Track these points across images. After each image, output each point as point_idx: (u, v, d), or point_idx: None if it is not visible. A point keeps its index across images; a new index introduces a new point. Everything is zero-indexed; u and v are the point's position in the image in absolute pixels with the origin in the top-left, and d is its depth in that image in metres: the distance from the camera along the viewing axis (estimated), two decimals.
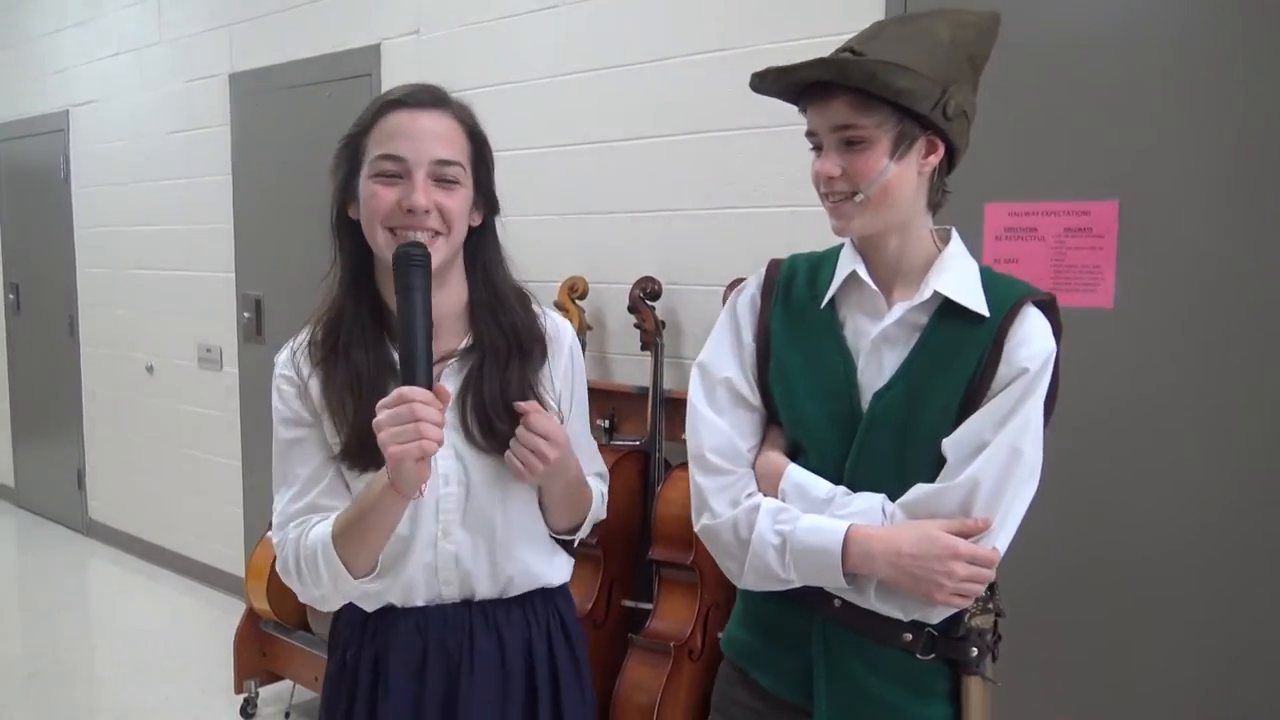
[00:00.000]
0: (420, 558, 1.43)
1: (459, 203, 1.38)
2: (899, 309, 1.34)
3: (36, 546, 5.75)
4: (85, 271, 5.63)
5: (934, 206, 1.39)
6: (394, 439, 1.22)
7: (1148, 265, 2.14)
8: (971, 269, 1.36)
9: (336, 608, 1.47)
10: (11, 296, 6.29)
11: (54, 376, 5.93)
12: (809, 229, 2.59)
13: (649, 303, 2.91)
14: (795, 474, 1.35)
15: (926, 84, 1.25)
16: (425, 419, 1.22)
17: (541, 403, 1.44)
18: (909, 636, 1.34)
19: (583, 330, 3.07)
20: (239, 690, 3.49)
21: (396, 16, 3.74)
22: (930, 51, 1.27)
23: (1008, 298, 1.33)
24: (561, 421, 1.48)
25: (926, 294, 1.32)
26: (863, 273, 1.36)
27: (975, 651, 1.37)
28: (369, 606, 1.46)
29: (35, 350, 6.14)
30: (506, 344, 1.44)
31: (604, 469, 1.65)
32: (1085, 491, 2.25)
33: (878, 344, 1.35)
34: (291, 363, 1.43)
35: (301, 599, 1.45)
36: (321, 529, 1.37)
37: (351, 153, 1.39)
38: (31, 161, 5.96)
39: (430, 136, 1.36)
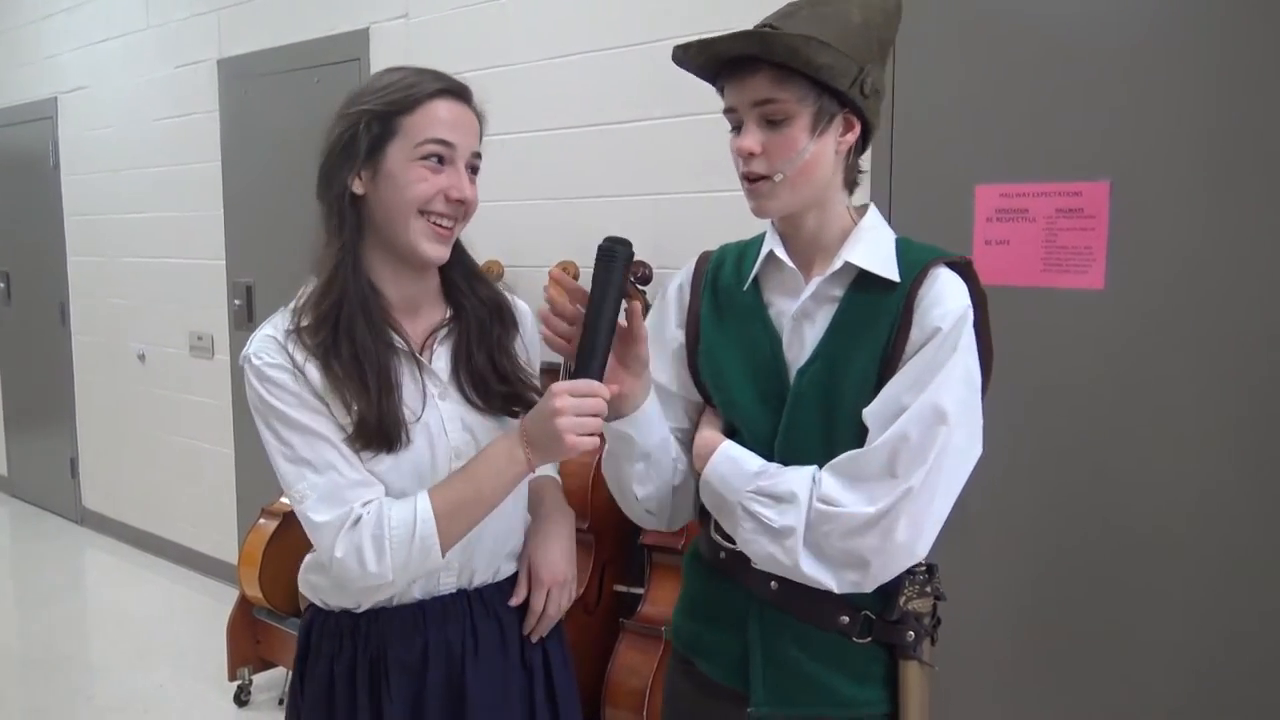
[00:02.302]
0: None
1: (478, 192, 1.41)
2: (813, 284, 1.36)
3: (30, 536, 5.75)
4: (75, 259, 5.61)
5: (850, 185, 1.40)
6: (577, 428, 1.26)
7: (1139, 246, 2.13)
8: (887, 239, 1.37)
9: (383, 597, 1.39)
10: (2, 285, 6.26)
11: (46, 365, 5.92)
12: None
13: (640, 287, 2.90)
14: (728, 449, 1.36)
15: (845, 61, 1.26)
16: (601, 414, 1.28)
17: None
18: (845, 619, 1.35)
19: None
20: (233, 678, 3.49)
21: (385, 0, 3.72)
22: (845, 31, 1.27)
23: (918, 263, 1.33)
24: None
25: (838, 265, 1.34)
26: (780, 252, 1.37)
27: (912, 635, 1.37)
28: (366, 603, 1.40)
29: (26, 339, 6.12)
30: (486, 311, 1.47)
31: None
32: (1076, 471, 2.25)
33: (798, 320, 1.36)
34: (282, 350, 1.34)
35: (353, 586, 1.34)
36: (412, 507, 1.31)
37: (384, 128, 1.34)
38: (20, 148, 5.93)
39: (470, 129, 1.39)
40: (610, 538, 2.89)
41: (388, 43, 3.71)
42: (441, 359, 1.43)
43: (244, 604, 3.48)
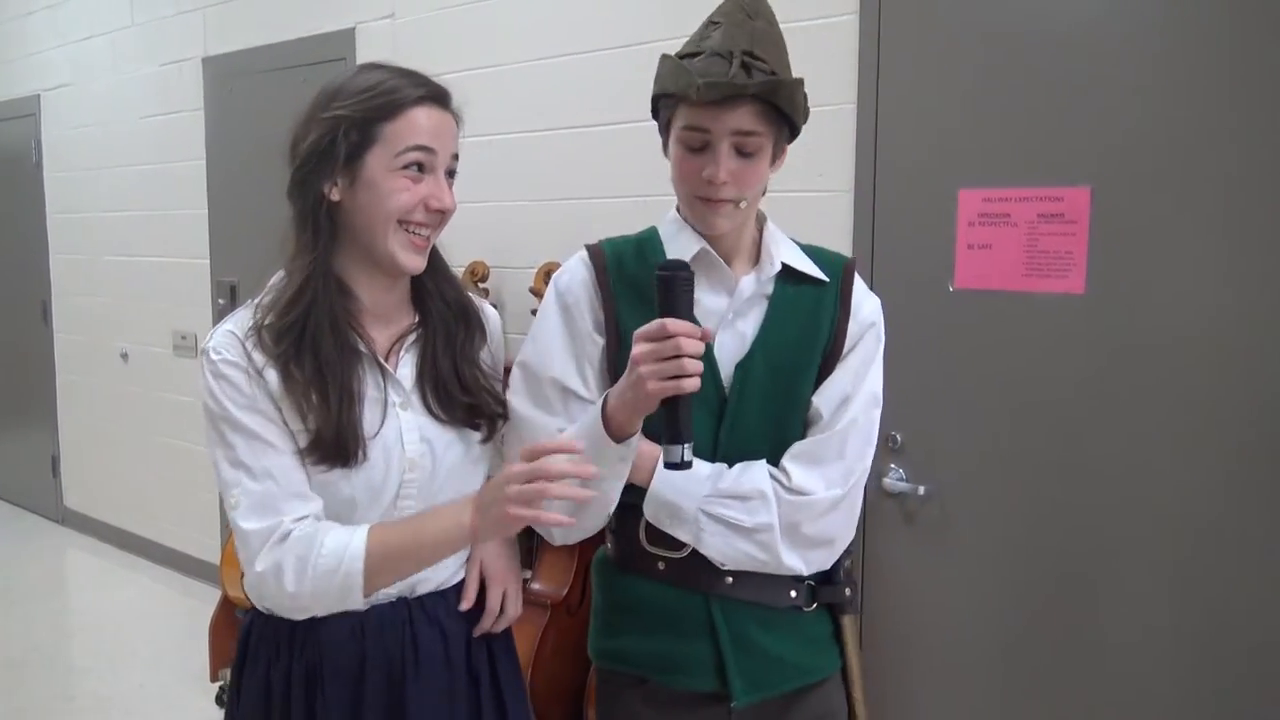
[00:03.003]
0: None
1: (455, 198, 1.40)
2: (748, 282, 1.42)
3: (10, 535, 5.71)
4: (58, 257, 5.57)
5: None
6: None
7: (1119, 252, 2.15)
8: (792, 243, 1.49)
9: (302, 617, 1.35)
10: None
11: (27, 363, 5.88)
12: (789, 212, 2.58)
13: None
14: None
15: (801, 94, 1.34)
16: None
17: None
18: (794, 593, 1.44)
19: None
20: (214, 678, 3.48)
21: (371, 0, 3.71)
22: (785, 53, 1.36)
23: (835, 263, 1.48)
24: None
25: (777, 265, 1.43)
26: (711, 250, 1.42)
27: (849, 591, 1.50)
28: (301, 615, 1.36)
29: (8, 337, 6.08)
30: (453, 317, 1.45)
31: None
32: (1055, 474, 2.26)
33: (732, 319, 1.41)
34: (240, 349, 1.32)
35: (263, 600, 1.33)
36: (346, 540, 1.28)
37: (363, 135, 1.30)
38: (2, 146, 5.89)
39: (450, 135, 1.38)
40: (593, 539, 2.89)
41: (374, 42, 3.71)
42: (407, 366, 1.41)
43: (226, 604, 3.47)
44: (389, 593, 1.39)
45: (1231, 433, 2.06)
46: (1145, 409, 2.15)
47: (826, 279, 1.44)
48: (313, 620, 1.36)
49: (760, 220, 1.49)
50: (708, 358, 1.34)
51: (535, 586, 2.89)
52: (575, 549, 2.88)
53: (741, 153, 1.33)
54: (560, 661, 2.82)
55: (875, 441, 1.44)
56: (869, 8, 2.44)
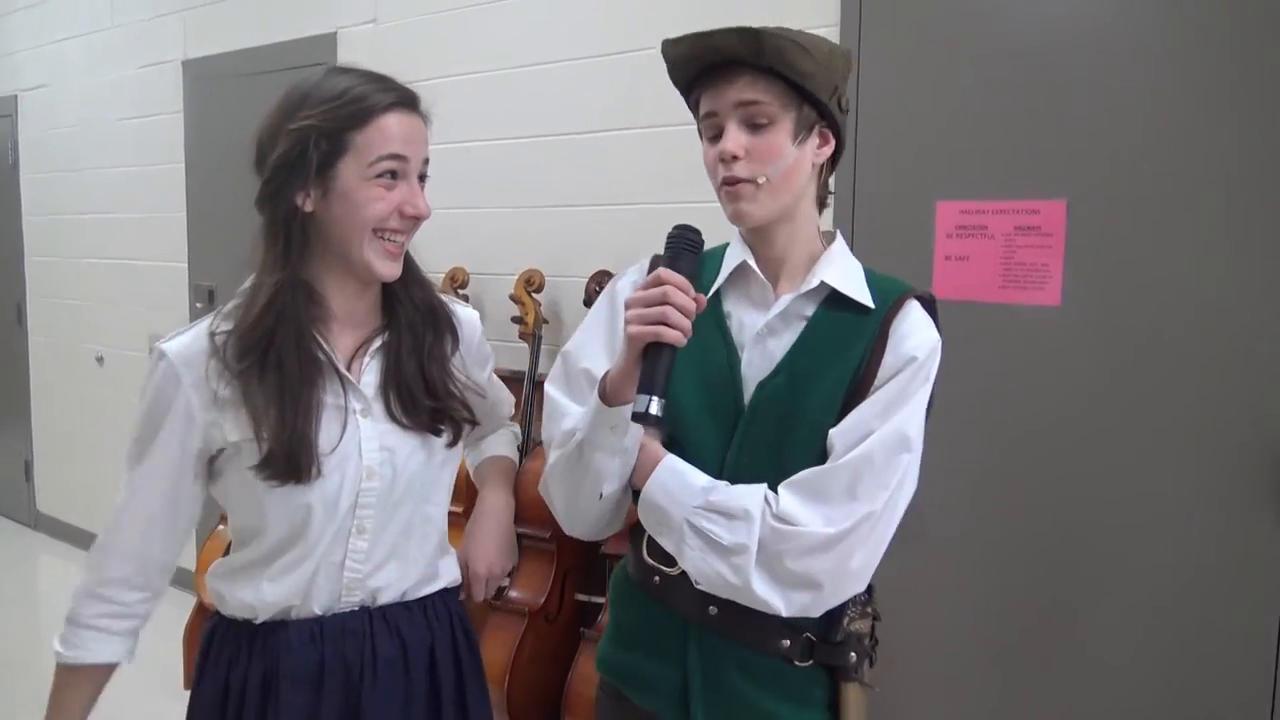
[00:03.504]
0: (328, 555, 1.37)
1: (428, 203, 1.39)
2: (786, 298, 1.34)
3: None
4: (33, 260, 5.52)
5: (821, 203, 1.40)
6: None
7: (1094, 264, 2.18)
8: (856, 266, 1.38)
9: None
10: None
11: (1, 366, 5.81)
12: None
13: None
14: (673, 463, 1.31)
15: (824, 73, 1.27)
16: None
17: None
18: (787, 643, 1.32)
19: (539, 324, 3.06)
20: (188, 686, 3.44)
21: (354, 4, 3.70)
22: (820, 48, 1.28)
23: (892, 292, 1.35)
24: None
25: (814, 283, 1.33)
26: (753, 263, 1.36)
27: (854, 657, 1.35)
28: (262, 615, 1.38)
29: None
30: (421, 319, 1.44)
31: (509, 393, 1.74)
32: (1031, 484, 2.28)
33: (763, 335, 1.34)
34: (203, 359, 1.32)
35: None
36: (65, 653, 1.41)
37: (334, 144, 1.29)
38: None
39: (421, 140, 1.36)
40: (572, 547, 2.90)
41: (355, 48, 3.70)
42: (371, 373, 1.40)
43: (201, 611, 3.44)
44: (350, 600, 1.40)
45: (1208, 442, 2.08)
46: (1121, 420, 2.17)
47: (873, 306, 1.33)
48: (273, 624, 1.38)
49: (828, 238, 1.41)
50: (734, 374, 1.33)
51: (513, 594, 2.89)
52: (553, 558, 2.88)
53: (751, 127, 1.28)
54: (537, 669, 2.82)
55: (901, 491, 1.27)
56: (849, 20, 2.46)
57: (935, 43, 2.34)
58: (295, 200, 1.31)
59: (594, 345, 1.41)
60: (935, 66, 2.35)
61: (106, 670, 1.43)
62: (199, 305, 4.42)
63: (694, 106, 1.37)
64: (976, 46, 2.29)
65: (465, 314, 1.55)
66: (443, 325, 1.47)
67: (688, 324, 1.19)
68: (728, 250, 1.41)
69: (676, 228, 1.27)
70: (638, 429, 1.30)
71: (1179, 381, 2.10)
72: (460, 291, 3.23)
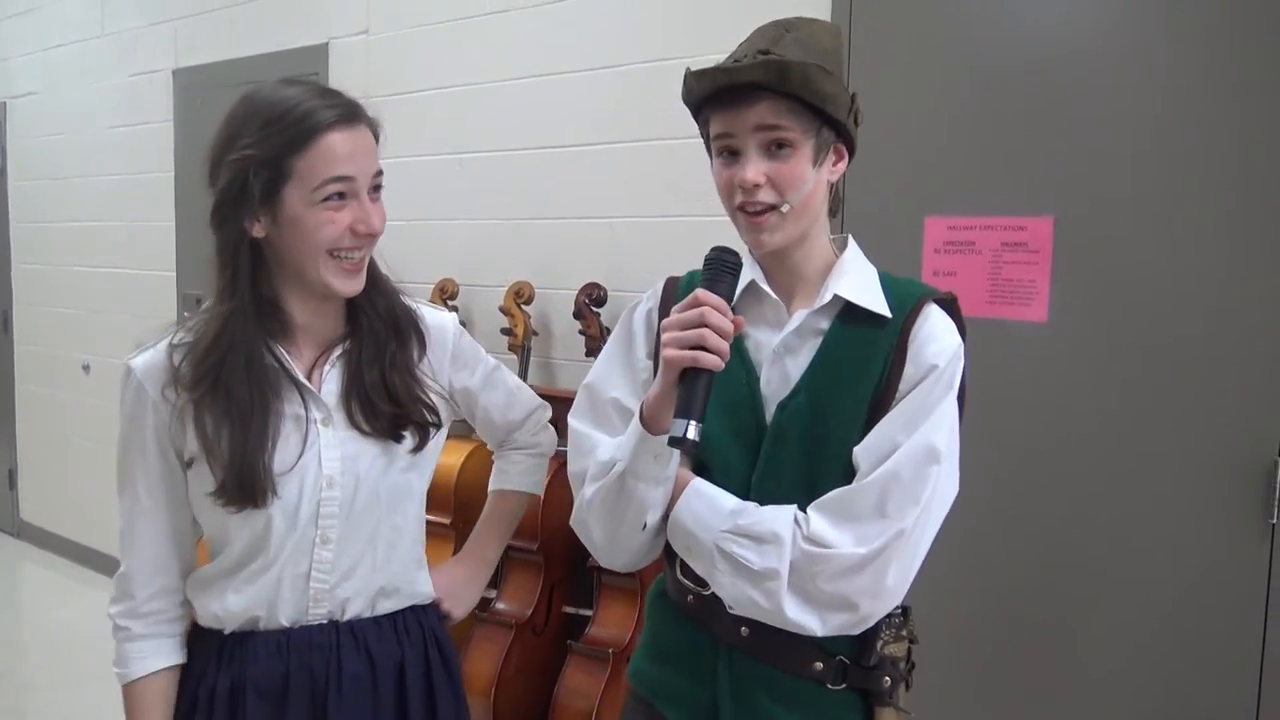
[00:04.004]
0: (293, 566, 1.36)
1: (384, 211, 1.36)
2: (799, 316, 1.30)
3: None
4: (20, 267, 5.50)
5: (832, 214, 1.37)
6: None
7: (1081, 281, 2.19)
8: (871, 273, 1.34)
9: None
10: None
11: None
12: None
13: (594, 309, 2.92)
14: (700, 486, 1.29)
15: (842, 90, 1.23)
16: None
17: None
18: (820, 665, 1.29)
19: (528, 336, 3.06)
20: None
21: (346, 16, 3.71)
22: (829, 58, 1.24)
23: (908, 298, 1.30)
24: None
25: (826, 298, 1.29)
26: (762, 282, 1.32)
27: (888, 681, 1.32)
28: (229, 626, 1.38)
29: None
30: (384, 326, 1.42)
31: (541, 402, 1.68)
32: (1017, 499, 2.29)
33: (779, 353, 1.31)
34: (163, 375, 1.33)
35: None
36: (133, 668, 1.40)
37: (275, 171, 1.26)
38: None
39: (366, 153, 1.32)
40: (560, 560, 2.89)
41: (347, 59, 3.71)
42: (332, 382, 1.39)
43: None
44: (318, 612, 1.39)
45: (1195, 455, 2.10)
46: (1108, 435, 2.18)
47: (889, 315, 1.28)
48: (240, 635, 1.38)
49: (840, 245, 1.37)
50: (753, 394, 1.30)
51: (500, 606, 2.88)
52: (541, 570, 2.87)
53: (771, 152, 1.23)
54: (524, 681, 2.81)
55: (934, 503, 1.25)
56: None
57: (924, 59, 2.36)
58: (244, 227, 1.30)
59: (616, 374, 1.38)
60: (924, 83, 2.36)
61: (172, 676, 1.42)
62: (186, 314, 4.39)
63: (703, 124, 1.33)
64: (966, 64, 2.31)
65: (434, 318, 1.51)
66: (406, 331, 1.45)
67: (725, 347, 1.16)
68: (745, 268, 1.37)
69: (714, 250, 1.23)
70: (677, 456, 1.26)
71: (1165, 396, 2.12)
72: (450, 302, 3.23)
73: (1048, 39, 2.21)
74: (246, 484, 1.30)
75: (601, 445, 1.33)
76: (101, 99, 4.84)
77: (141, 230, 4.67)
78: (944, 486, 1.27)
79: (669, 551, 1.38)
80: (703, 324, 1.15)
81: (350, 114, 1.31)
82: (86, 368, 5.05)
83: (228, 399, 1.30)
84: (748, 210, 1.26)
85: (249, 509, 1.32)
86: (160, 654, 1.40)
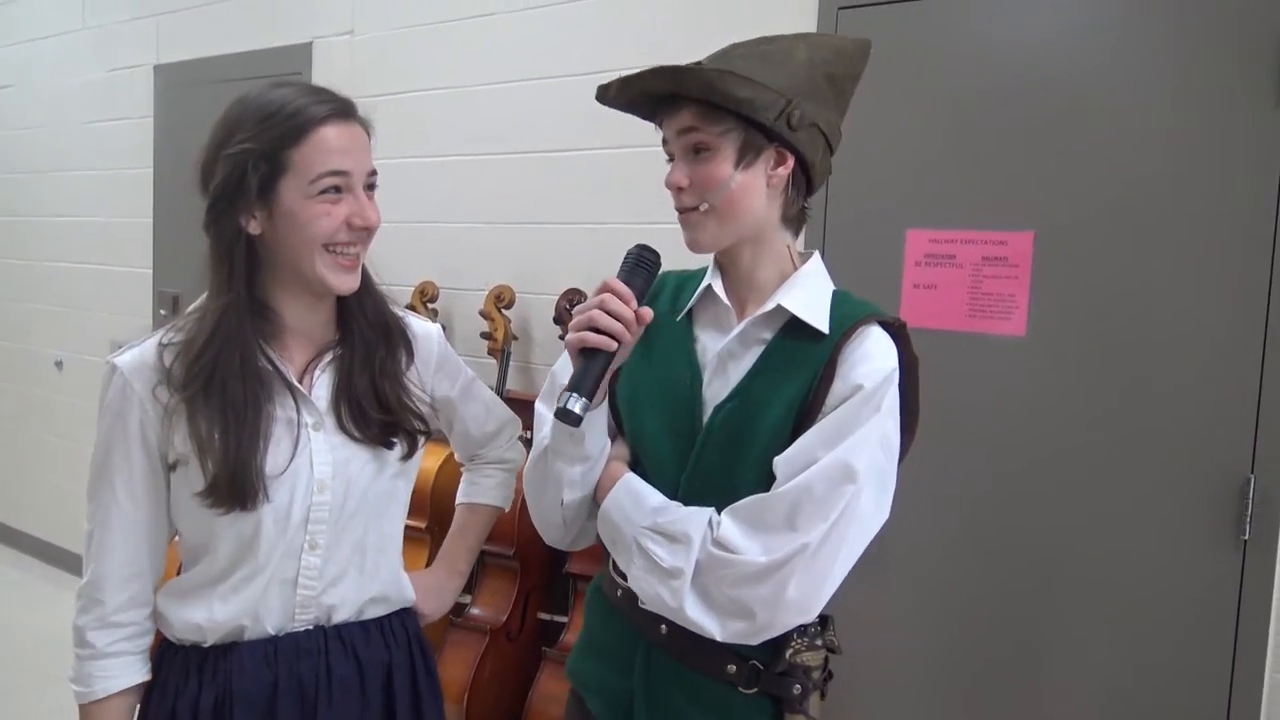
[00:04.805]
0: (280, 571, 1.35)
1: (378, 210, 1.36)
2: (743, 323, 1.34)
3: None
4: None
5: (791, 222, 1.37)
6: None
7: (1060, 296, 2.21)
8: (825, 289, 1.36)
9: None
10: None
11: None
12: None
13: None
14: (631, 481, 1.33)
15: (769, 95, 1.25)
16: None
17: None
18: (733, 668, 1.31)
19: (508, 340, 3.05)
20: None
21: (331, 15, 3.69)
22: (780, 66, 1.27)
23: (850, 317, 1.31)
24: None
25: (770, 307, 1.32)
26: (718, 288, 1.36)
27: (798, 689, 1.32)
28: (211, 638, 1.35)
29: None
30: (375, 333, 1.43)
31: (513, 416, 1.71)
32: (995, 512, 2.30)
33: (723, 358, 1.34)
34: (152, 374, 1.32)
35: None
36: (95, 687, 1.35)
37: (272, 165, 1.27)
38: None
39: (361, 149, 1.33)
40: (535, 566, 2.88)
41: (331, 59, 3.69)
42: (322, 387, 1.39)
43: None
44: (304, 619, 1.38)
45: (1170, 470, 2.11)
46: (1085, 449, 2.19)
47: (827, 332, 1.30)
48: (224, 647, 1.35)
49: (804, 259, 1.38)
50: (694, 396, 1.33)
51: (475, 612, 2.86)
52: (516, 576, 2.86)
53: (692, 155, 1.30)
54: (498, 687, 2.80)
55: (847, 524, 1.23)
56: None
57: (908, 74, 2.37)
58: (240, 223, 1.30)
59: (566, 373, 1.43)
60: (907, 97, 2.38)
61: (136, 694, 1.38)
62: (163, 312, 4.37)
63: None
64: (948, 80, 2.32)
65: (421, 328, 1.53)
66: (396, 339, 1.46)
67: (618, 328, 1.22)
68: (708, 271, 1.42)
69: (636, 246, 1.31)
70: (603, 440, 1.33)
71: (1141, 412, 2.13)
72: (430, 305, 3.22)
73: (1030, 56, 2.23)
74: (238, 485, 1.28)
75: (546, 423, 1.39)
76: (81, 93, 4.79)
77: (118, 226, 4.62)
78: (862, 507, 1.25)
79: (607, 551, 1.41)
80: (601, 307, 1.22)
81: (344, 110, 1.32)
82: (59, 364, 4.99)
83: (222, 397, 1.29)
84: (680, 213, 1.33)
85: (237, 511, 1.29)
86: (127, 672, 1.36)
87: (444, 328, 1.63)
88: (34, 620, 4.48)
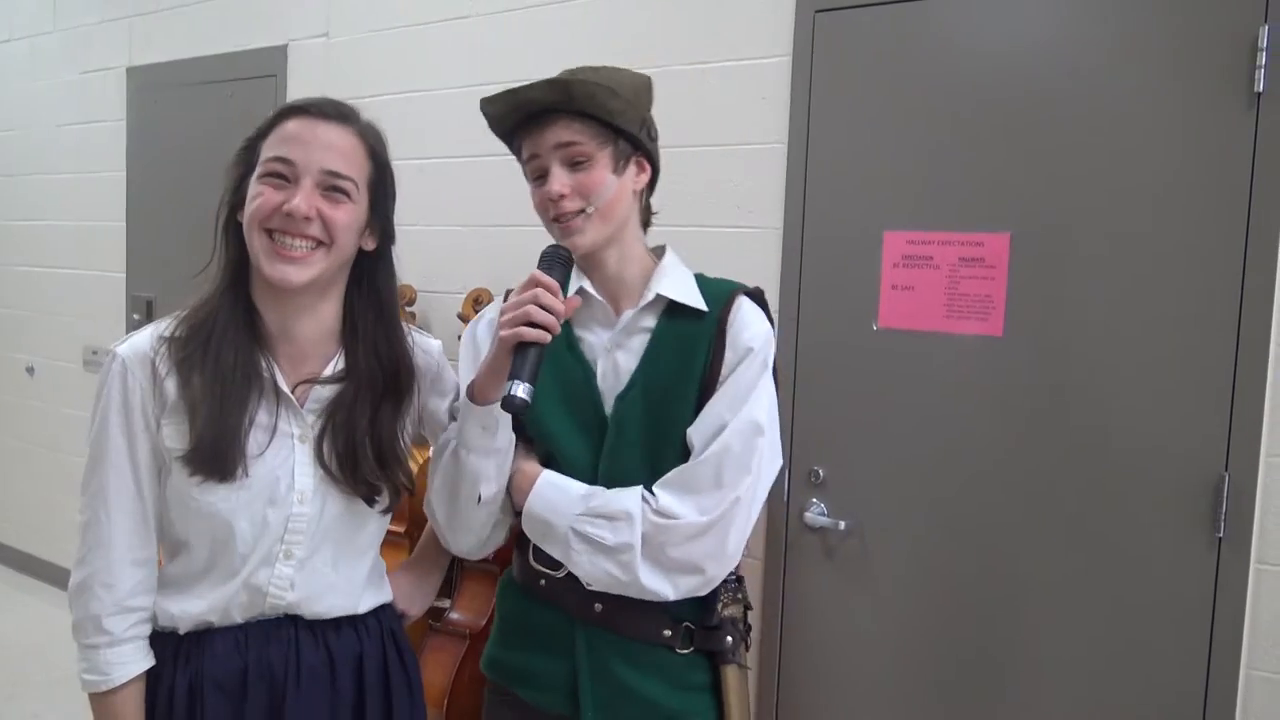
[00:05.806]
0: (253, 576, 1.36)
1: (345, 216, 1.34)
2: (626, 315, 1.48)
3: None
4: None
5: (645, 225, 1.54)
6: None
7: (1036, 296, 2.22)
8: (688, 275, 1.52)
9: None
10: None
11: None
12: (717, 247, 2.61)
13: None
14: (550, 477, 1.43)
15: (632, 110, 1.42)
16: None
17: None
18: (668, 633, 1.45)
19: None
20: None
21: (306, 17, 3.67)
22: (626, 85, 1.43)
23: (722, 294, 1.48)
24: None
25: (650, 297, 1.46)
26: (589, 287, 1.48)
27: (730, 640, 1.49)
28: (183, 626, 1.38)
29: None
30: (383, 379, 1.43)
31: None
32: (971, 512, 2.31)
33: (610, 349, 1.47)
34: (151, 357, 1.34)
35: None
36: (115, 674, 1.34)
37: (248, 155, 1.37)
38: None
39: (324, 146, 1.33)
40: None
41: (306, 61, 3.67)
42: (313, 412, 1.40)
43: None
44: (277, 604, 1.39)
45: (1145, 470, 2.13)
46: (1060, 449, 2.21)
47: (706, 310, 1.46)
48: (198, 634, 1.38)
49: (659, 254, 1.54)
50: (591, 389, 1.45)
51: (454, 616, 2.85)
52: (495, 580, 2.84)
53: (571, 165, 1.41)
54: (478, 691, 2.76)
55: (763, 472, 1.41)
56: (802, 50, 2.50)
57: (884, 77, 2.38)
58: (236, 214, 1.38)
59: (467, 363, 1.53)
60: (884, 99, 2.39)
61: (144, 680, 1.38)
62: (136, 316, 4.33)
63: (516, 152, 1.50)
64: (925, 81, 2.33)
65: (424, 343, 1.57)
66: (403, 388, 1.46)
67: (553, 321, 1.29)
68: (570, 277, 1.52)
69: (549, 246, 1.40)
70: (509, 431, 1.41)
71: (1117, 412, 2.15)
72: (408, 309, 3.20)
73: (1006, 59, 2.25)
74: (220, 450, 1.30)
75: (452, 426, 1.48)
76: (52, 95, 4.73)
77: (90, 230, 4.57)
78: (769, 455, 1.42)
79: (518, 541, 1.52)
80: (534, 302, 1.29)
81: (320, 108, 1.36)
82: (30, 370, 4.93)
83: (215, 363, 1.32)
84: (560, 220, 1.43)
85: (214, 482, 1.31)
86: (141, 657, 1.37)
87: (421, 329, 1.64)
88: (3, 628, 4.42)
